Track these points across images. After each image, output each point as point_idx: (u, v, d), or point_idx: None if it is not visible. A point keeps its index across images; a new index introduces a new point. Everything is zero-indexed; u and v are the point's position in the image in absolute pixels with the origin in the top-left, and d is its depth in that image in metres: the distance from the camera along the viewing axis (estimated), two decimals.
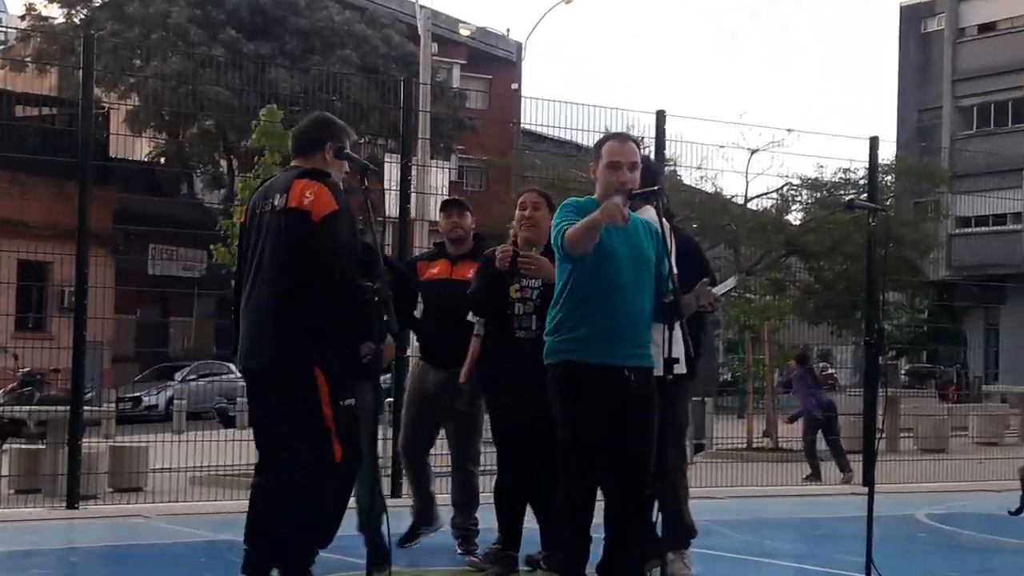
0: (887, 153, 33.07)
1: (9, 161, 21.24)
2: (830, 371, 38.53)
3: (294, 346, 5.30)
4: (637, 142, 5.84)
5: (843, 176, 32.20)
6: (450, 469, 7.50)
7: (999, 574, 8.54)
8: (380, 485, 6.60)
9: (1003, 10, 41.91)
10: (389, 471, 10.60)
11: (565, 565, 5.57)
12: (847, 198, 26.84)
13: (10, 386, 16.74)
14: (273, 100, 12.87)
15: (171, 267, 34.25)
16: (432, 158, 21.69)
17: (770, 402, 19.73)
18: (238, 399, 21.75)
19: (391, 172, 12.12)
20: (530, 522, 6.72)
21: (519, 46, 47.56)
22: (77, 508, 9.81)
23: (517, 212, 6.61)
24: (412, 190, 12.51)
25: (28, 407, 13.86)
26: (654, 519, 5.57)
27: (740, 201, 30.87)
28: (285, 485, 5.39)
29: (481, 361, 6.82)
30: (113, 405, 19.43)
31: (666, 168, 15.34)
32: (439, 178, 18.36)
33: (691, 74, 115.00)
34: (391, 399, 10.60)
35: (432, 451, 7.61)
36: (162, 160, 36.99)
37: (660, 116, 12.38)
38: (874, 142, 14.08)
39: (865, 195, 22.04)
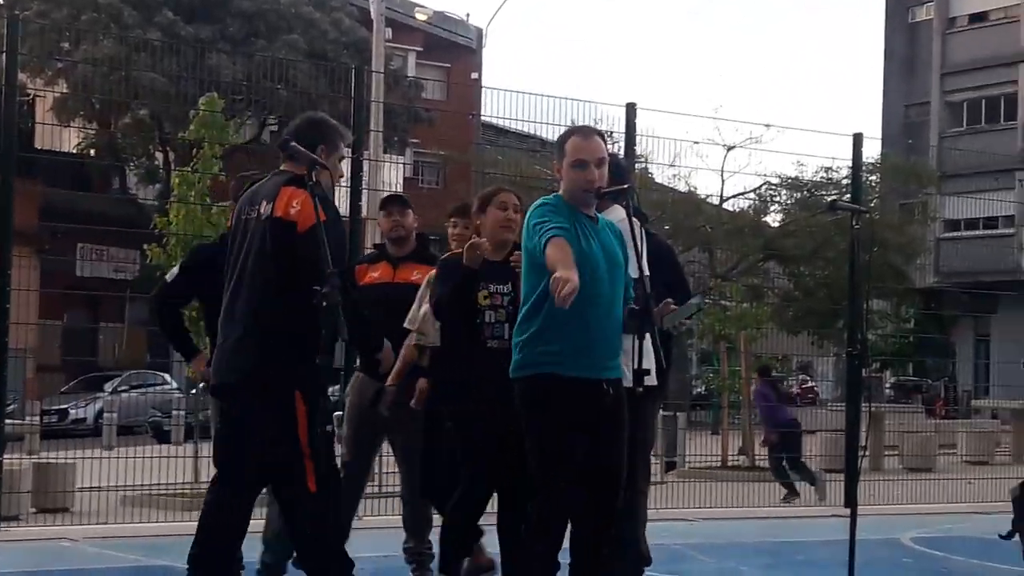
0: (872, 151, 33.39)
1: None
2: (810, 384, 38.85)
3: (277, 353, 5.46)
4: (603, 136, 5.87)
5: (825, 175, 32.51)
6: (399, 490, 7.45)
7: None
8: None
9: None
10: None
11: None
12: (829, 199, 26.81)
13: None
14: (213, 88, 12.86)
15: (101, 268, 34.07)
16: (385, 152, 21.74)
17: (746, 417, 19.81)
18: (173, 412, 21.62)
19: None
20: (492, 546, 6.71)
21: (479, 32, 47.66)
22: None
23: (497, 212, 6.56)
24: (364, 187, 12.47)
25: None
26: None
27: (715, 201, 31.05)
28: (246, 504, 5.51)
29: (442, 369, 6.79)
30: (37, 418, 19.31)
31: (637, 165, 15.36)
32: (393, 174, 18.42)
33: (666, 41, 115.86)
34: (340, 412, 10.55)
35: (385, 471, 7.58)
36: (92, 152, 36.68)
37: (630, 109, 12.41)
38: (858, 139, 14.17)
39: (848, 196, 22.15)
